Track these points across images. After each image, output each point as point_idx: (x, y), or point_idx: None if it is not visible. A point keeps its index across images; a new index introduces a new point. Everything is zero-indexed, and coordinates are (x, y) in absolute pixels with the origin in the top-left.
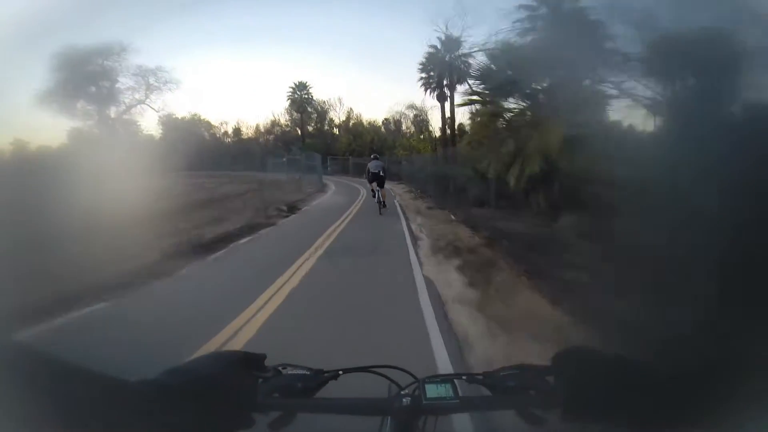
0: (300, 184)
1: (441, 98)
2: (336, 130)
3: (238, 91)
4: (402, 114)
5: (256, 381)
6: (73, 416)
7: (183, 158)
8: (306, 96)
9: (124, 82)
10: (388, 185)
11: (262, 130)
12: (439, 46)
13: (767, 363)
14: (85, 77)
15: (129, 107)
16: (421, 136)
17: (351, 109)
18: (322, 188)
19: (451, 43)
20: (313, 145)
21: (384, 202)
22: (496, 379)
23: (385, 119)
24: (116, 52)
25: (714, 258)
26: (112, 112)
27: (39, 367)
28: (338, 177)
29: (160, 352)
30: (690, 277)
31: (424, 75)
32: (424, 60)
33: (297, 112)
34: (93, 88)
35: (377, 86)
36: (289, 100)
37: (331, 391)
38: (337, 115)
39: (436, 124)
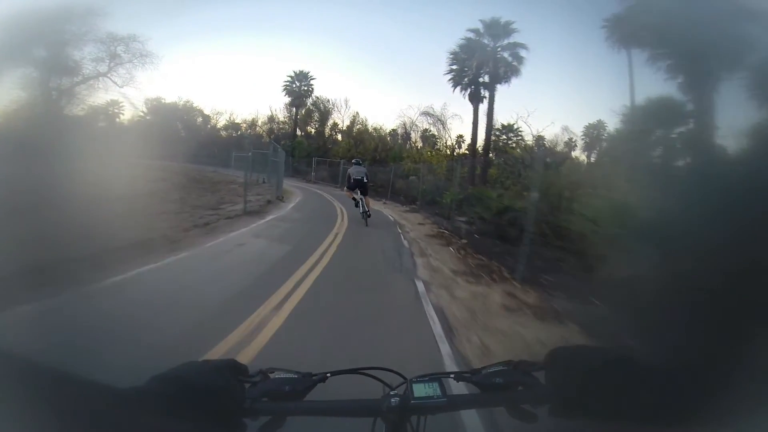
0: (242, 190)
1: (474, 98)
2: (339, 136)
3: (238, 83)
4: (412, 125)
5: (243, 386)
6: (62, 425)
7: (154, 145)
8: (305, 88)
9: (89, 51)
10: (392, 213)
11: (259, 124)
12: (481, 29)
13: (760, 362)
14: (31, 39)
15: (86, 79)
16: (437, 147)
17: (357, 113)
18: (261, 207)
19: (498, 27)
20: (303, 143)
21: (368, 211)
22: (484, 376)
23: (392, 130)
24: (80, 15)
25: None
26: (66, 83)
27: (26, 374)
28: (321, 186)
29: None
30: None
31: (455, 67)
32: (456, 49)
33: (292, 105)
34: (42, 53)
35: (389, 90)
36: (286, 91)
37: (320, 393)
38: (341, 118)
39: (456, 134)
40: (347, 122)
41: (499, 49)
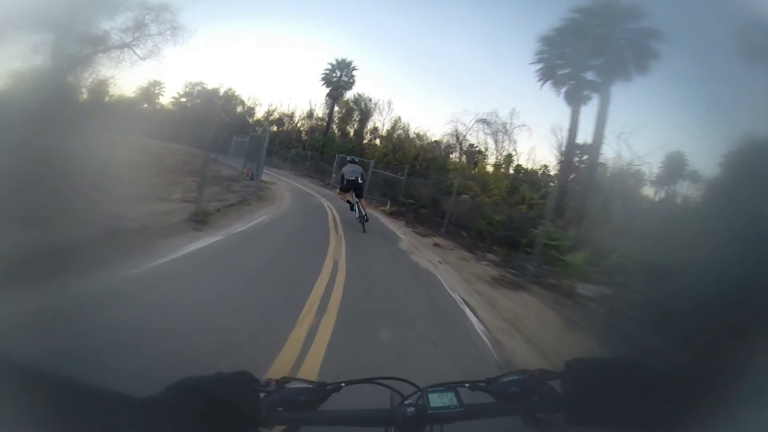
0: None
1: (574, 97)
2: (378, 141)
3: (277, 75)
4: (464, 137)
5: (258, 396)
6: None
7: (173, 127)
8: (346, 79)
9: (116, 20)
10: (476, 300)
11: (296, 119)
12: (594, 8)
13: (763, 365)
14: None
15: (108, 48)
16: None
17: (399, 117)
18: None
19: (617, 7)
20: (334, 139)
21: (366, 215)
22: (499, 385)
23: (436, 141)
24: None
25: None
26: (84, 51)
27: (43, 385)
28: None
29: None
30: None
31: (545, 56)
32: (551, 33)
33: (330, 96)
34: (62, 18)
35: (439, 91)
36: (324, 80)
37: (334, 403)
38: (383, 121)
39: (517, 149)
40: (388, 126)
41: (622, 37)
